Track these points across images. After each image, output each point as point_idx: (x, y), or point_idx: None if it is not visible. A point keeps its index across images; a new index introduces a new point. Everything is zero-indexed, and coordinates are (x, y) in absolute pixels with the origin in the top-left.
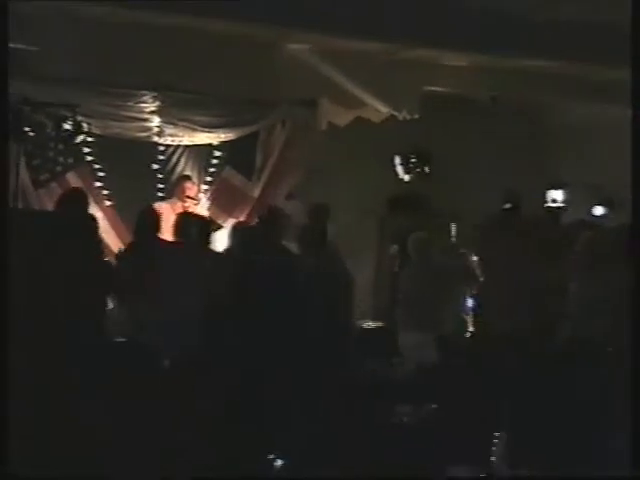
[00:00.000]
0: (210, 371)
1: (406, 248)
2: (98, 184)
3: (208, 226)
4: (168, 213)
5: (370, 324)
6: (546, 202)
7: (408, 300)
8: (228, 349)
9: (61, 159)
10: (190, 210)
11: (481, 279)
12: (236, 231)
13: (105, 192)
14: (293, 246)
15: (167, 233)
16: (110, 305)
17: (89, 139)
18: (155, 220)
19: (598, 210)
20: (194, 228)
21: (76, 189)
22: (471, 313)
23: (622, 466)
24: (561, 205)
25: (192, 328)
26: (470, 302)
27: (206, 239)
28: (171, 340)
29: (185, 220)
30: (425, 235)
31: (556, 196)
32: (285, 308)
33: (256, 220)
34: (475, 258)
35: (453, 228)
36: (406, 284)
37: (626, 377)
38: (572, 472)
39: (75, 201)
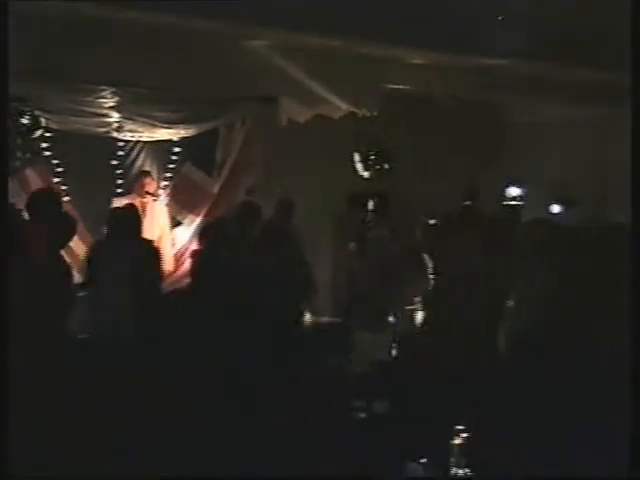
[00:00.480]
0: (172, 370)
1: (365, 245)
2: (56, 180)
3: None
4: None
5: (328, 320)
6: (504, 199)
7: (367, 297)
8: (184, 347)
9: (19, 154)
10: (149, 206)
11: (437, 276)
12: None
13: (63, 188)
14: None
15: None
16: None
17: (47, 134)
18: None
19: (556, 208)
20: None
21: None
22: (426, 310)
23: (621, 466)
24: (519, 202)
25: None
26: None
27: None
28: (112, 335)
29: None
30: (385, 232)
31: (514, 193)
32: (244, 305)
33: (228, 215)
34: (432, 255)
35: (412, 225)
36: (365, 281)
37: (626, 377)
38: (526, 472)
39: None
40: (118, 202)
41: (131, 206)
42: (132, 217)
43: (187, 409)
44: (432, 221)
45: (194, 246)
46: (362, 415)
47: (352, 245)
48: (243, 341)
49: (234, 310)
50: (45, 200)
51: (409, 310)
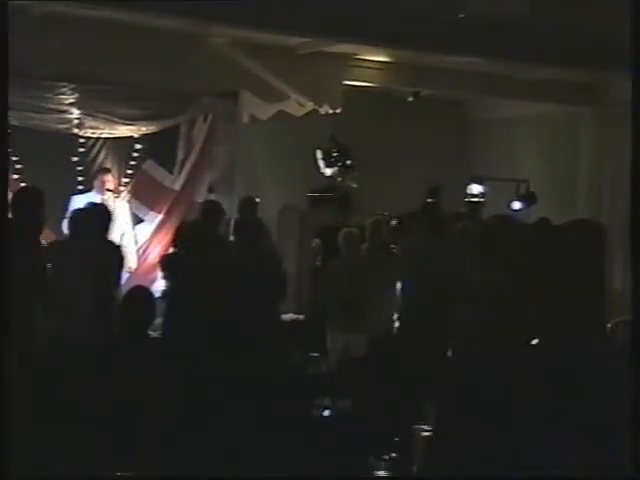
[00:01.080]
0: (138, 369)
1: (329, 242)
2: (16, 176)
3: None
4: None
5: (292, 317)
6: (467, 196)
7: (336, 296)
8: (150, 346)
9: None
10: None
11: (404, 274)
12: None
13: (23, 185)
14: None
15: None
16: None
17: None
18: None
19: (517, 205)
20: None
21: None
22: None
23: (622, 467)
24: (481, 199)
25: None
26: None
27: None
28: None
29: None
30: (356, 231)
31: (476, 190)
32: (216, 301)
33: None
34: (396, 252)
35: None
36: (334, 280)
37: (626, 377)
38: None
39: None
40: (78, 199)
41: (95, 205)
42: (97, 215)
43: (153, 408)
44: (394, 220)
45: (158, 244)
46: (325, 413)
47: (315, 242)
48: (214, 340)
49: (209, 311)
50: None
51: (380, 310)
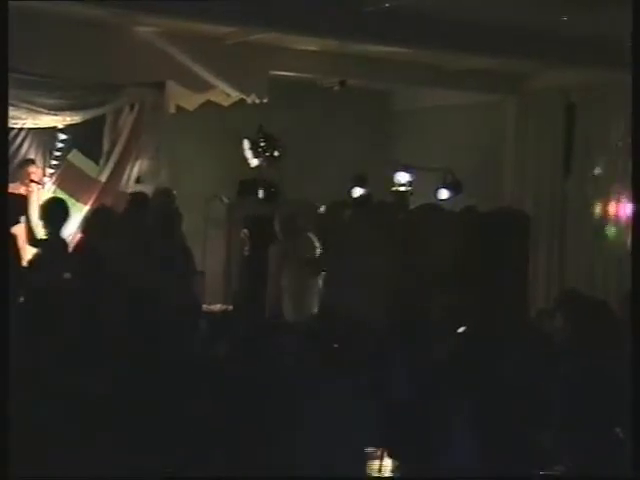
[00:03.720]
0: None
1: (256, 232)
2: None
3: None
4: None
5: (220, 307)
6: (393, 185)
7: (266, 286)
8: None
9: None
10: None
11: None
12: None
13: None
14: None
15: None
16: None
17: None
18: None
19: (443, 193)
20: None
21: None
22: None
23: (622, 467)
24: (407, 188)
25: None
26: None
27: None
28: None
29: None
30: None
31: (402, 179)
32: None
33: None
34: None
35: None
36: (263, 269)
37: (626, 377)
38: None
39: None
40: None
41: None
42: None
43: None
44: (321, 209)
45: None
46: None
47: (243, 233)
48: (133, 328)
49: (125, 297)
50: None
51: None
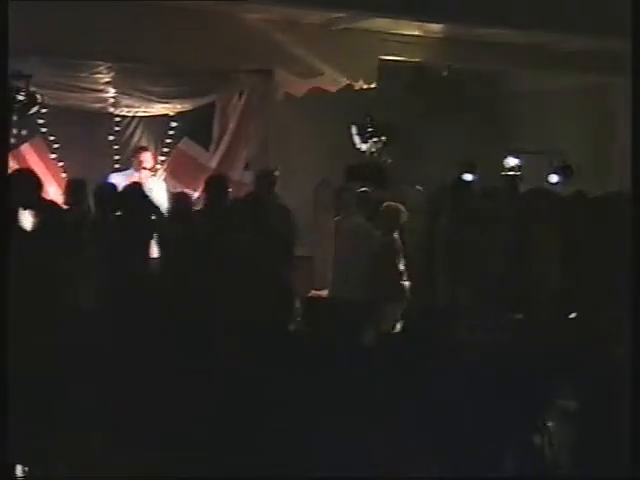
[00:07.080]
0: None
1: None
2: (53, 156)
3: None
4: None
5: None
6: (503, 170)
7: (379, 272)
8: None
9: (15, 131)
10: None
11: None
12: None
13: (60, 164)
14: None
15: None
16: None
17: (43, 110)
18: None
19: (554, 178)
20: None
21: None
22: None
23: (622, 467)
24: (517, 173)
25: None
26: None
27: None
28: None
29: None
30: (400, 206)
31: (512, 164)
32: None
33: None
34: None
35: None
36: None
37: (626, 377)
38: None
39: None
40: (115, 178)
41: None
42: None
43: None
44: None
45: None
46: None
47: (337, 219)
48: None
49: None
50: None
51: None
